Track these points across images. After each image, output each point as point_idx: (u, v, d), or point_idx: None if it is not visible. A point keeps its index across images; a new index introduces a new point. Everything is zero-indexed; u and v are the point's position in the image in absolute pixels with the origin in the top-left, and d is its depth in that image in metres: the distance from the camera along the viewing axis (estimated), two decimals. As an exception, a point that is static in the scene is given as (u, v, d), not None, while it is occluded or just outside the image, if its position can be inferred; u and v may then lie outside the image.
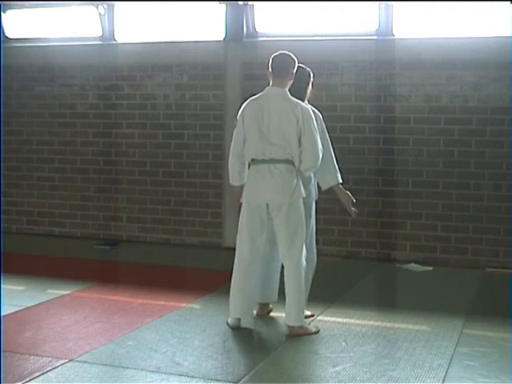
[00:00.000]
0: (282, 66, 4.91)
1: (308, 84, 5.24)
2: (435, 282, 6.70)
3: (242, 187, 5.04)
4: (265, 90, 4.96)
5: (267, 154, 4.85)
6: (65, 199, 8.84)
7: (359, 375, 4.20)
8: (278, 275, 5.28)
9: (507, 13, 7.04)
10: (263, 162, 4.86)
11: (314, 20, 7.81)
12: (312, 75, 5.27)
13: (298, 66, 5.11)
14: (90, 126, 8.67)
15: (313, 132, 4.85)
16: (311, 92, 5.28)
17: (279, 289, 5.27)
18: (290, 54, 4.96)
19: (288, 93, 4.92)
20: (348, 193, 5.24)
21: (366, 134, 7.58)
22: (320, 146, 4.89)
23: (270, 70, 4.94)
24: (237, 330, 5.05)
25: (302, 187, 4.93)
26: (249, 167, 4.98)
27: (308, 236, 5.20)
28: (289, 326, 4.96)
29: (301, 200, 4.94)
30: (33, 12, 8.91)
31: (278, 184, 4.85)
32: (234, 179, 5.07)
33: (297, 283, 4.91)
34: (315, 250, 5.36)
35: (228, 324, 5.09)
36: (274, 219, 4.93)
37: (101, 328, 5.11)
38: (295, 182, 4.89)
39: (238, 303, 5.03)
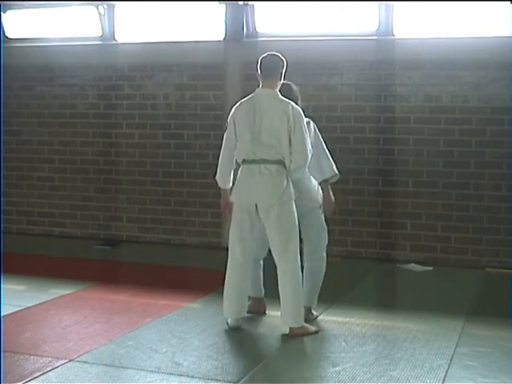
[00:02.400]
0: (271, 67, 4.90)
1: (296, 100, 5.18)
2: (435, 282, 6.70)
3: (229, 190, 5.07)
4: (256, 92, 4.96)
5: (258, 155, 4.84)
6: (65, 199, 8.84)
7: (359, 375, 4.20)
8: (262, 272, 5.35)
9: (507, 13, 7.04)
10: (254, 162, 4.86)
11: (314, 20, 7.81)
12: (296, 91, 5.22)
13: (284, 84, 5.08)
14: (90, 126, 8.67)
15: (303, 131, 4.84)
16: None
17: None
18: (278, 54, 4.95)
19: (279, 93, 4.91)
20: (332, 197, 5.21)
21: (366, 134, 7.58)
22: (309, 146, 4.89)
23: (259, 71, 4.94)
24: (236, 330, 5.05)
25: (292, 188, 4.91)
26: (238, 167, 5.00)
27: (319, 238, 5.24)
28: (289, 328, 4.96)
29: (292, 202, 4.93)
30: (33, 12, 8.90)
31: (268, 184, 4.84)
32: (225, 182, 5.05)
33: (293, 285, 4.90)
34: (324, 254, 5.32)
35: (228, 324, 5.09)
36: (265, 220, 4.92)
37: (101, 328, 5.11)
38: (285, 183, 4.87)
39: (232, 303, 5.03)
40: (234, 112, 4.95)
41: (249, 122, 4.84)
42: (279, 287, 4.95)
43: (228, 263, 5.06)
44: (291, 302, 4.90)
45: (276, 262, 4.99)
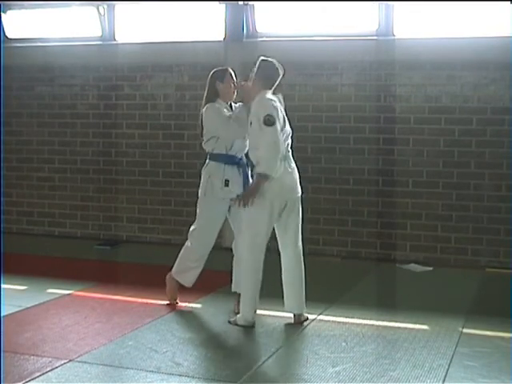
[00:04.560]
0: (280, 76, 5.14)
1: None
2: (435, 282, 6.70)
3: None
4: (271, 95, 5.05)
5: (285, 151, 5.08)
6: (65, 199, 8.84)
7: (359, 375, 4.20)
8: None
9: (507, 13, 7.04)
10: (283, 158, 5.04)
11: (314, 20, 7.81)
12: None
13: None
14: (90, 127, 8.67)
15: None
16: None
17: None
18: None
19: None
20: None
21: (365, 135, 7.58)
22: None
23: (267, 76, 5.06)
24: (237, 329, 5.04)
25: None
26: None
27: None
28: (298, 315, 5.18)
29: None
30: (33, 12, 8.90)
31: (295, 179, 5.16)
32: (277, 171, 5.03)
33: (301, 271, 5.18)
34: None
35: (245, 322, 5.07)
36: (290, 213, 5.13)
37: (101, 328, 5.11)
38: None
39: (257, 299, 5.11)
40: (276, 108, 4.99)
41: (281, 120, 5.03)
42: (288, 274, 5.15)
43: (253, 261, 5.05)
44: (300, 287, 5.16)
45: (285, 251, 5.16)
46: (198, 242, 5.57)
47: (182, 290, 6.22)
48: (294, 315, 5.22)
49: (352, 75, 7.61)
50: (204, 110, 5.48)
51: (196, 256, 5.59)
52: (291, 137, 5.21)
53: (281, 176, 5.00)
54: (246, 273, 5.10)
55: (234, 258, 5.49)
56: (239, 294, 5.29)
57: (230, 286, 5.56)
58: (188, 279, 5.65)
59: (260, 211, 5.03)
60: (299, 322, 5.18)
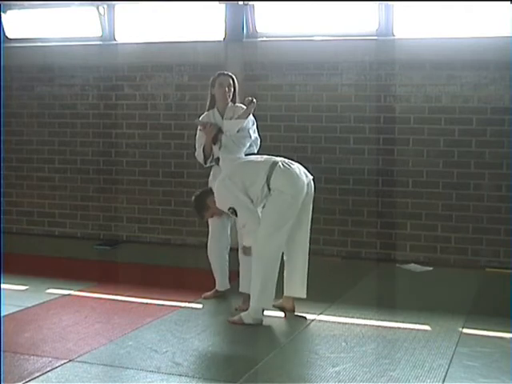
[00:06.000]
0: None
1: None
2: (435, 282, 6.70)
3: None
4: None
5: None
6: (65, 199, 8.84)
7: (359, 375, 4.20)
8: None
9: (507, 13, 7.04)
10: None
11: (314, 20, 7.81)
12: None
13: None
14: (90, 127, 8.67)
15: None
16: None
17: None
18: None
19: None
20: None
21: (365, 135, 7.58)
22: None
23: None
24: (237, 329, 5.04)
25: None
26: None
27: None
28: (292, 299, 5.38)
29: None
30: (33, 12, 8.90)
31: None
32: None
33: (306, 255, 5.42)
34: None
35: (254, 323, 5.08)
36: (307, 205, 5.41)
37: (101, 328, 5.11)
38: None
39: (273, 294, 5.15)
40: None
41: None
42: (292, 259, 5.31)
43: (268, 256, 5.07)
44: (305, 272, 5.34)
45: (293, 238, 5.29)
46: None
47: (181, 290, 6.23)
48: (285, 310, 5.39)
49: (352, 75, 7.61)
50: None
51: None
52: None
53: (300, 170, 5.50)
54: (266, 269, 5.08)
55: (241, 258, 5.50)
56: (247, 294, 5.33)
57: (235, 285, 5.59)
58: None
59: (289, 209, 5.24)
60: (292, 310, 5.37)
